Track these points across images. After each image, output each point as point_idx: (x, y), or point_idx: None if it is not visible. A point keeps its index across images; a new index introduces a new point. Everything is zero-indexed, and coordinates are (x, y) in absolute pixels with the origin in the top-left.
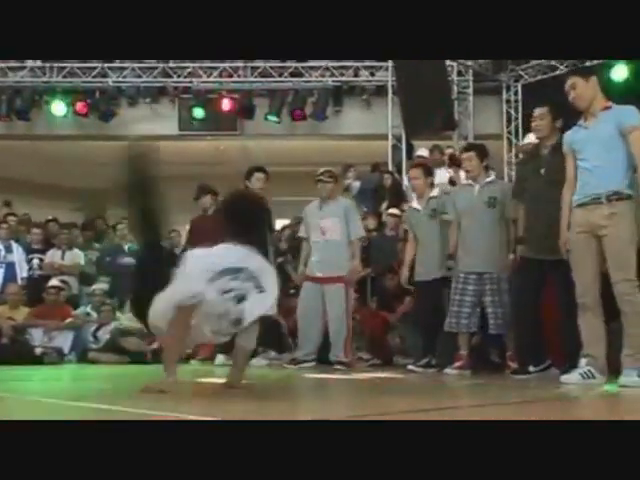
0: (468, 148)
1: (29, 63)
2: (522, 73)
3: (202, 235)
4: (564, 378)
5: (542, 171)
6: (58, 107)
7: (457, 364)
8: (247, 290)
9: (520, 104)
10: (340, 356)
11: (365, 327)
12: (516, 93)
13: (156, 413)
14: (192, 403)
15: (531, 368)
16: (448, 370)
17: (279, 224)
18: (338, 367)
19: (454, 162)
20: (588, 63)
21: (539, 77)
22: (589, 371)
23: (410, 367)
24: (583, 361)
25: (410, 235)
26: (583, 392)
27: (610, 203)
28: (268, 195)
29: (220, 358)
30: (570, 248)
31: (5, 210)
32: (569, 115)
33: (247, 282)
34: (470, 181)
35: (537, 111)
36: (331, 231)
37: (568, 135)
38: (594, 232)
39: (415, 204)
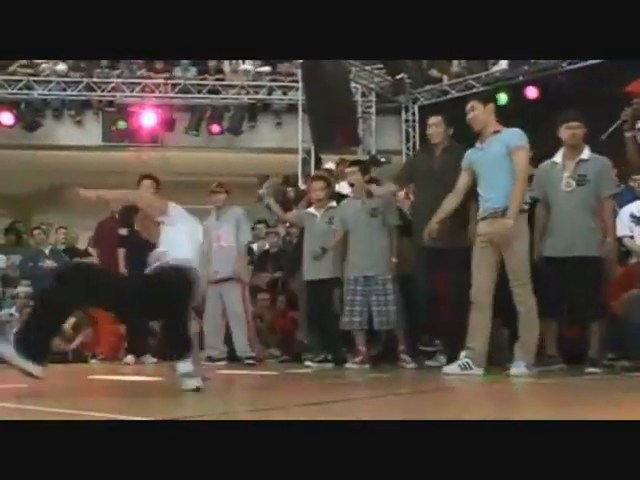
0: (353, 163)
1: None
2: (418, 96)
3: (107, 235)
4: (445, 369)
5: (434, 167)
6: (5, 117)
7: (357, 359)
8: None
9: (417, 124)
10: (247, 351)
11: (275, 325)
12: (414, 114)
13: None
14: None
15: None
16: (350, 364)
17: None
18: (248, 362)
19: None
20: (482, 88)
21: (433, 100)
22: (467, 363)
23: (307, 363)
24: (463, 353)
25: (305, 239)
26: (459, 382)
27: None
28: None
29: (129, 358)
30: (473, 254)
31: None
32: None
33: None
34: (354, 194)
35: (432, 119)
36: (224, 237)
37: (469, 154)
38: (493, 241)
39: (312, 210)
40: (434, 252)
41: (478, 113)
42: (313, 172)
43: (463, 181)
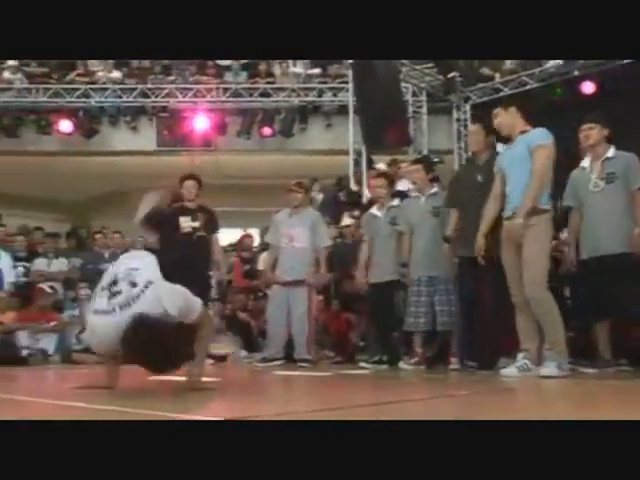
0: (416, 161)
1: (17, 85)
2: (470, 94)
3: None
4: (503, 372)
5: (479, 178)
6: (65, 125)
7: (413, 360)
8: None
9: (469, 122)
10: (303, 354)
11: (329, 327)
12: (465, 112)
13: (130, 410)
14: (160, 401)
15: (470, 363)
16: (405, 365)
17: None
18: (303, 364)
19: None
20: (536, 84)
21: (486, 98)
22: (525, 364)
23: (362, 364)
24: (520, 355)
25: (366, 239)
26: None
27: (527, 217)
28: (201, 201)
29: None
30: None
31: None
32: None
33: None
34: (417, 192)
35: (471, 127)
36: (298, 238)
37: (499, 157)
38: (516, 240)
39: (375, 210)
40: (476, 263)
41: (501, 119)
42: (369, 171)
43: (497, 186)
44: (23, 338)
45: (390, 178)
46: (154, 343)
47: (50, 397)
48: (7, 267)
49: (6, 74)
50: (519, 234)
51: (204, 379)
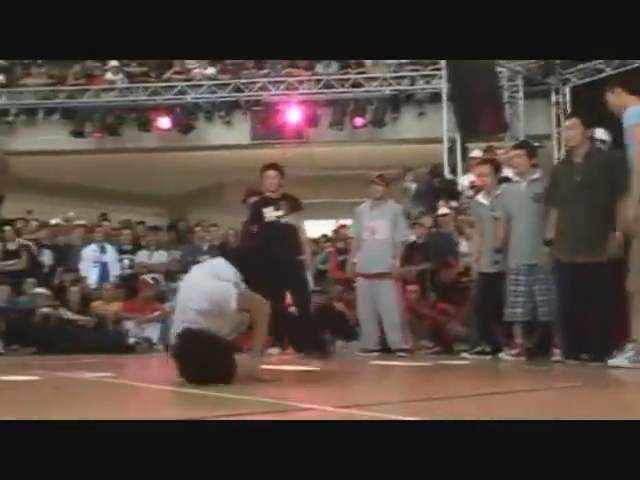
0: (518, 146)
1: (118, 84)
2: (569, 76)
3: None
4: (611, 362)
5: (577, 177)
6: (163, 122)
7: (513, 351)
8: None
9: (569, 106)
10: (400, 344)
11: (426, 317)
12: (564, 96)
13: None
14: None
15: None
16: (505, 356)
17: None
18: (400, 354)
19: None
20: (635, 65)
21: (587, 79)
22: (635, 355)
23: (463, 355)
24: (629, 346)
25: (477, 228)
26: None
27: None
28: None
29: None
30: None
31: (101, 218)
32: None
33: None
34: (518, 178)
35: (568, 122)
36: (379, 231)
37: None
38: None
39: (481, 198)
40: (574, 268)
41: (611, 101)
42: (472, 159)
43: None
44: (130, 327)
45: (496, 164)
46: (191, 357)
47: (158, 383)
48: (112, 260)
49: (108, 75)
50: (630, 224)
51: (263, 367)
